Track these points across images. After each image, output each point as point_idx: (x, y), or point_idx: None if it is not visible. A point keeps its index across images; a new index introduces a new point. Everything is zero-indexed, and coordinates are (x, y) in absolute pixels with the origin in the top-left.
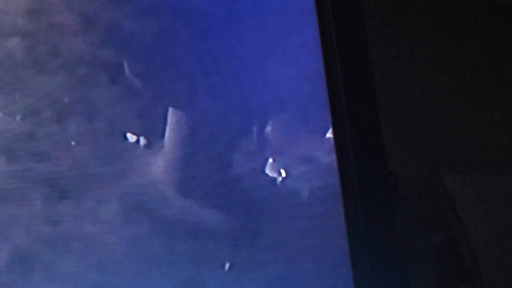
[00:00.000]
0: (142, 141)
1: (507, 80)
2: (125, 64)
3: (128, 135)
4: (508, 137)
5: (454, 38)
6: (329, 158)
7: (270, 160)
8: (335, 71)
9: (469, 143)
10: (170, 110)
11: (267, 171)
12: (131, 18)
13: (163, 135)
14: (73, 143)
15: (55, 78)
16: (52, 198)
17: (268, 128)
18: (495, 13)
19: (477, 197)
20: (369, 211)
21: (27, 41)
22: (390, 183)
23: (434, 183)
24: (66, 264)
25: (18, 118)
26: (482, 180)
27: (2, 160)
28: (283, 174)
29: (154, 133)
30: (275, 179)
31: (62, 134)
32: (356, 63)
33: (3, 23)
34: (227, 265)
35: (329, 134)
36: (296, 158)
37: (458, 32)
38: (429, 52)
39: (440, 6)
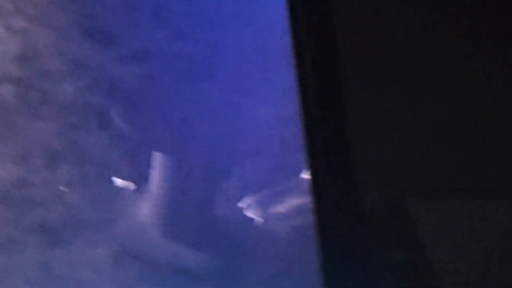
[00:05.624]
0: (130, 185)
1: (475, 105)
2: (113, 109)
3: (117, 180)
4: (474, 164)
5: (427, 69)
6: (304, 198)
7: (249, 201)
8: (311, 113)
9: (434, 168)
10: (155, 154)
11: (246, 212)
12: (119, 63)
13: (149, 179)
14: (64, 188)
15: (47, 124)
16: (44, 243)
17: (247, 170)
18: (471, 29)
19: (441, 222)
20: (344, 251)
21: (18, 87)
22: (362, 215)
23: (398, 207)
24: None
25: (9, 165)
26: (446, 205)
27: None
28: (262, 215)
29: (142, 177)
30: (253, 220)
31: (53, 180)
32: (333, 106)
33: None
34: None
35: (305, 175)
36: (274, 199)
37: (429, 61)
38: (404, 89)
39: (418, 43)
